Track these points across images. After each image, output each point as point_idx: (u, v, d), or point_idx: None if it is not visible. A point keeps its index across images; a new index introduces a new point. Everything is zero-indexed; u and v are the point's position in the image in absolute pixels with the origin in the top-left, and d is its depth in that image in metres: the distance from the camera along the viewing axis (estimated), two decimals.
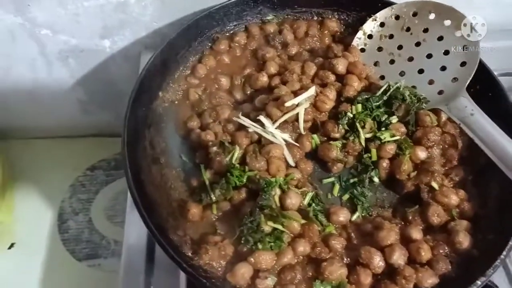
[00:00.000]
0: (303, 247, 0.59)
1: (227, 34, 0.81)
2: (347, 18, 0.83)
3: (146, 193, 0.61)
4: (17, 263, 1.01)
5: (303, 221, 0.60)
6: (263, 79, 0.76)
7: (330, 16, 0.83)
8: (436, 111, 0.71)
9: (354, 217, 0.64)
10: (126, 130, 0.63)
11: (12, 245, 1.03)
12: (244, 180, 0.63)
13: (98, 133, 1.18)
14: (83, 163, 1.15)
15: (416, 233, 0.61)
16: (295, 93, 0.71)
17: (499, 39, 0.86)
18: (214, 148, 0.67)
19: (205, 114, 0.73)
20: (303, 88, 0.72)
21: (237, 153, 0.66)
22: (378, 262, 0.58)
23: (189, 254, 0.58)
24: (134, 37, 0.92)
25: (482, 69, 0.72)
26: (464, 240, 0.60)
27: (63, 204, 1.09)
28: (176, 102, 0.75)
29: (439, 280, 0.57)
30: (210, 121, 0.72)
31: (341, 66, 0.74)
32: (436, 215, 0.62)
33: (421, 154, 0.67)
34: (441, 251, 0.60)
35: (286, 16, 0.84)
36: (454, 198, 0.63)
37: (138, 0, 0.84)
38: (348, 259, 0.60)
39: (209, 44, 0.80)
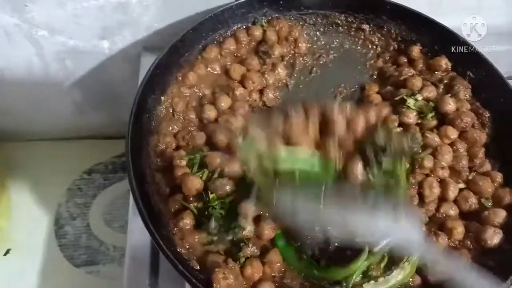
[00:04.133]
0: None
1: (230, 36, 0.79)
2: (354, 20, 0.81)
3: (151, 204, 0.59)
4: (13, 269, 0.97)
5: None
6: None
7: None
8: None
9: None
10: (129, 138, 0.61)
11: (8, 251, 0.99)
12: None
13: (94, 135, 1.15)
14: (79, 166, 1.12)
15: None
16: None
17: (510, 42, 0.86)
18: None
19: None
20: None
21: None
22: None
23: (198, 267, 0.56)
24: (134, 38, 0.89)
25: (494, 73, 0.71)
26: None
27: (60, 209, 1.06)
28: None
29: None
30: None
31: None
32: None
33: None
34: None
35: (291, 18, 0.81)
36: None
37: (139, 0, 0.81)
38: None
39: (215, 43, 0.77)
